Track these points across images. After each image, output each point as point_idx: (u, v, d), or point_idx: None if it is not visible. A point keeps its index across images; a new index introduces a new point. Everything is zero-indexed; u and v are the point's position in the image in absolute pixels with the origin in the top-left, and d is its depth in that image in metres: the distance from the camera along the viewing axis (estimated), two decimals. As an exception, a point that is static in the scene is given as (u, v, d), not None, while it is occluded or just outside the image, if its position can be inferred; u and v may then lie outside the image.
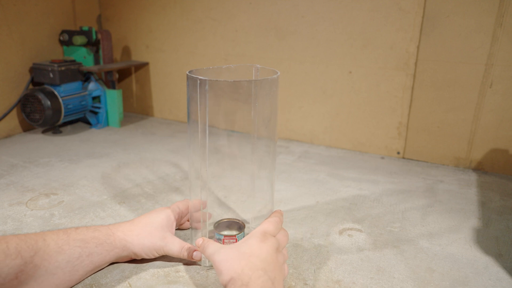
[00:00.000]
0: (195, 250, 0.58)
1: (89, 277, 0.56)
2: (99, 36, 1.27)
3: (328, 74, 1.11)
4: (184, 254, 0.58)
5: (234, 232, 0.62)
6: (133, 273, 0.58)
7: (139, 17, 1.36)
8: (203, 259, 0.60)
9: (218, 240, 0.60)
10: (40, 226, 0.70)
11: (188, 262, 0.61)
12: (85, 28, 1.25)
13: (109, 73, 1.29)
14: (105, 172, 0.94)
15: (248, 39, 1.19)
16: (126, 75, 1.47)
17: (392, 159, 1.08)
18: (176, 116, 1.41)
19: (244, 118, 0.58)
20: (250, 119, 0.56)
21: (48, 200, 0.80)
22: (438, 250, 0.66)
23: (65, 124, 1.33)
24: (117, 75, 1.31)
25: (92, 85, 1.28)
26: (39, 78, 1.19)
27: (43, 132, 1.24)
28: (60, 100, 1.16)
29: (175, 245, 0.58)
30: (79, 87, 1.24)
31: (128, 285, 0.56)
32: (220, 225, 0.63)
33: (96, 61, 1.30)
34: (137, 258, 0.60)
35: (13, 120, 1.21)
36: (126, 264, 0.60)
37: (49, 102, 1.13)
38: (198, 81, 0.52)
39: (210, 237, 0.64)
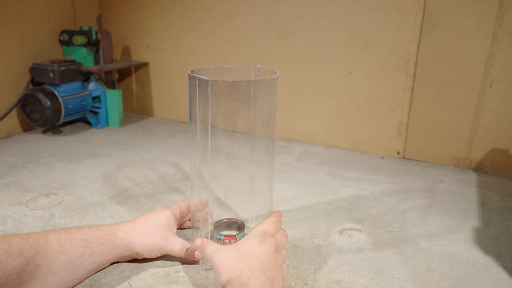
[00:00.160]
0: (196, 250, 0.58)
1: (89, 277, 0.56)
2: (99, 36, 1.27)
3: (328, 74, 1.11)
4: (185, 254, 0.58)
5: (234, 232, 0.62)
6: (133, 273, 0.58)
7: (139, 17, 1.36)
8: (203, 259, 0.60)
9: (218, 240, 0.60)
10: (40, 226, 0.70)
11: (188, 262, 0.61)
12: (85, 28, 1.25)
13: (109, 73, 1.29)
14: (105, 172, 0.95)
15: (248, 39, 1.19)
16: (126, 75, 1.47)
17: (392, 159, 1.08)
18: (176, 116, 1.41)
19: (243, 118, 0.58)
20: (249, 119, 0.56)
21: (48, 200, 0.80)
22: (438, 250, 0.66)
23: (65, 124, 1.33)
24: (117, 75, 1.31)
25: (92, 85, 1.28)
26: (39, 78, 1.19)
27: (43, 132, 1.24)
28: (60, 100, 1.16)
29: (177, 245, 0.58)
30: (79, 87, 1.25)
31: (128, 285, 0.56)
32: (220, 225, 0.63)
33: (96, 61, 1.30)
34: (138, 258, 0.60)
35: (13, 120, 1.21)
36: (126, 264, 0.60)
37: (49, 102, 1.13)
38: (197, 81, 0.52)
39: (211, 237, 0.64)
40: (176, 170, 0.96)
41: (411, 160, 1.07)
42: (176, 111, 1.41)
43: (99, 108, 1.30)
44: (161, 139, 1.20)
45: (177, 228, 0.69)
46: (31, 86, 1.24)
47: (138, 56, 1.41)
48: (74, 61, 1.22)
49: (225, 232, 0.62)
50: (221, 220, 0.64)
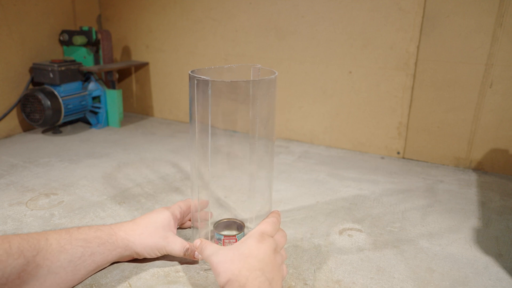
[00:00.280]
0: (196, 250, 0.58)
1: (89, 277, 0.56)
2: (99, 36, 1.27)
3: (328, 74, 1.11)
4: (186, 254, 0.58)
5: (233, 232, 0.62)
6: (133, 273, 0.58)
7: (139, 17, 1.36)
8: (202, 259, 0.60)
9: (218, 240, 0.60)
10: (40, 226, 0.70)
11: (188, 262, 0.61)
12: (85, 28, 1.26)
13: (109, 73, 1.29)
14: (105, 172, 0.95)
15: (248, 39, 1.19)
16: (126, 75, 1.47)
17: (392, 159, 1.08)
18: (176, 116, 1.41)
19: (242, 118, 0.58)
20: (248, 119, 0.56)
21: (48, 200, 0.80)
22: (438, 250, 0.66)
23: (65, 124, 1.33)
24: (117, 75, 1.31)
25: (92, 85, 1.28)
26: (39, 78, 1.19)
27: (43, 132, 1.24)
28: (60, 100, 1.16)
29: (177, 245, 0.59)
30: (79, 87, 1.25)
31: (128, 285, 0.56)
32: (220, 225, 0.63)
33: (96, 61, 1.30)
34: (139, 258, 0.60)
35: (13, 120, 1.21)
36: (126, 264, 0.60)
37: (49, 102, 1.13)
38: (196, 81, 0.52)
39: (211, 237, 0.64)
40: (176, 170, 0.96)
41: (411, 160, 1.07)
42: (176, 111, 1.41)
43: (99, 108, 1.30)
44: (161, 139, 1.20)
45: (178, 228, 0.69)
46: (31, 86, 1.24)
47: (138, 56, 1.41)
48: (74, 61, 1.22)
49: (225, 232, 0.62)
50: (221, 220, 0.64)
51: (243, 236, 0.58)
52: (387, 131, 1.08)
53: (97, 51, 1.29)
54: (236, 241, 0.59)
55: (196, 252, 0.58)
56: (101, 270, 0.58)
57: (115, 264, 0.60)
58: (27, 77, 1.23)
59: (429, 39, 0.97)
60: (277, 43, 1.15)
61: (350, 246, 0.66)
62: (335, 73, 1.10)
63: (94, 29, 1.25)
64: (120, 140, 1.19)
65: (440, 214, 0.78)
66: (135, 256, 0.59)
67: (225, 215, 0.72)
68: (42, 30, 1.25)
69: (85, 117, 1.32)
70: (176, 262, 0.61)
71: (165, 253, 0.59)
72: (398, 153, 1.09)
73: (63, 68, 1.17)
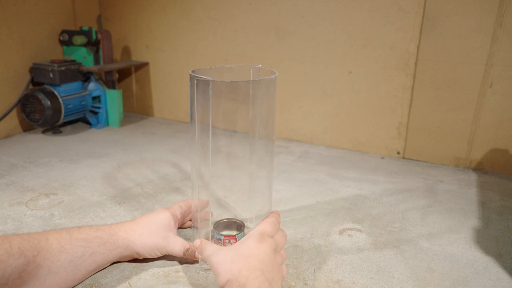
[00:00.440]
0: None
1: (89, 277, 0.56)
2: (99, 36, 1.27)
3: (328, 74, 1.11)
4: (186, 254, 0.58)
5: (233, 232, 0.62)
6: (133, 273, 0.58)
7: (139, 17, 1.36)
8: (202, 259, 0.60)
9: (218, 240, 0.60)
10: (40, 226, 0.70)
11: (188, 262, 0.61)
12: (85, 28, 1.26)
13: (109, 73, 1.29)
14: (105, 172, 0.95)
15: (248, 39, 1.19)
16: (126, 75, 1.47)
17: (392, 159, 1.08)
18: (176, 116, 1.41)
19: (242, 118, 0.58)
20: (248, 119, 0.56)
21: (48, 200, 0.80)
22: (438, 250, 0.66)
23: (65, 124, 1.33)
24: (117, 75, 1.31)
25: (92, 85, 1.28)
26: (39, 78, 1.19)
27: (43, 132, 1.24)
28: (60, 100, 1.16)
29: (178, 245, 0.59)
30: (79, 87, 1.25)
31: (128, 285, 0.56)
32: (220, 225, 0.63)
33: (96, 61, 1.30)
34: (139, 258, 0.60)
35: (13, 120, 1.21)
36: (126, 264, 0.60)
37: (49, 102, 1.13)
38: (196, 81, 0.52)
39: (211, 237, 0.64)
40: (176, 170, 0.96)
41: (411, 160, 1.07)
42: (176, 111, 1.41)
43: (99, 108, 1.30)
44: (161, 139, 1.20)
45: (178, 228, 0.69)
46: (31, 86, 1.24)
47: (138, 56, 1.41)
48: (74, 61, 1.22)
49: (225, 232, 0.62)
50: (220, 220, 0.64)
51: (243, 236, 0.58)
52: (387, 131, 1.08)
53: (97, 51, 1.29)
54: (236, 241, 0.59)
55: (196, 252, 0.58)
56: (101, 270, 0.58)
57: (115, 264, 0.60)
58: (27, 77, 1.23)
59: (429, 39, 0.97)
60: (277, 43, 1.15)
61: (350, 246, 0.66)
62: (335, 73, 1.10)
63: (94, 29, 1.25)
64: (120, 140, 1.19)
65: (440, 214, 0.78)
66: (136, 256, 0.59)
67: (225, 215, 0.72)
68: (42, 30, 1.25)
69: (85, 117, 1.32)
70: (176, 262, 0.61)
71: (166, 253, 0.60)
72: (398, 153, 1.09)
73: (63, 68, 1.17)
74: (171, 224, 0.61)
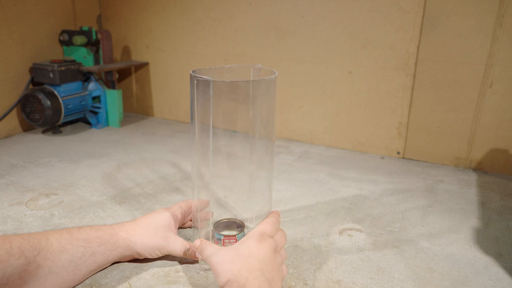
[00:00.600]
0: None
1: (89, 277, 0.56)
2: (99, 36, 1.27)
3: (328, 74, 1.11)
4: (186, 254, 0.58)
5: (233, 232, 0.62)
6: (133, 273, 0.58)
7: (139, 17, 1.36)
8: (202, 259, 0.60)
9: (218, 240, 0.60)
10: (40, 226, 0.70)
11: (188, 262, 0.61)
12: (85, 28, 1.26)
13: (109, 73, 1.29)
14: (105, 172, 0.95)
15: (248, 39, 1.19)
16: (126, 75, 1.47)
17: (392, 159, 1.08)
18: (176, 116, 1.41)
19: (242, 118, 0.58)
20: (248, 119, 0.56)
21: (48, 200, 0.80)
22: (438, 250, 0.66)
23: (65, 124, 1.33)
24: (117, 75, 1.31)
25: (92, 85, 1.28)
26: (39, 78, 1.19)
27: (43, 132, 1.24)
28: (60, 100, 1.16)
29: (178, 245, 0.59)
30: (79, 87, 1.25)
31: (128, 285, 0.56)
32: (220, 225, 0.63)
33: (96, 61, 1.30)
34: (140, 258, 0.60)
35: (13, 120, 1.21)
36: (126, 264, 0.60)
37: (49, 102, 1.13)
38: (196, 81, 0.52)
39: (212, 237, 0.64)
40: (176, 170, 0.96)
41: (411, 160, 1.07)
42: (176, 111, 1.41)
43: (99, 108, 1.30)
44: (161, 139, 1.20)
45: (179, 228, 0.69)
46: (31, 86, 1.24)
47: (138, 56, 1.41)
48: (74, 61, 1.22)
49: (225, 232, 0.62)
50: (221, 220, 0.64)
51: (243, 236, 0.58)
52: (387, 131, 1.08)
53: (97, 51, 1.29)
54: (236, 241, 0.59)
55: (196, 252, 0.58)
56: (101, 270, 0.58)
57: (115, 264, 0.60)
58: (27, 77, 1.23)
59: (429, 39, 0.97)
60: (277, 43, 1.15)
61: (350, 246, 0.66)
62: (335, 73, 1.10)
63: (94, 29, 1.25)
64: (120, 140, 1.19)
65: (440, 214, 0.78)
66: (136, 256, 0.59)
67: (225, 215, 0.72)
68: (42, 30, 1.25)
69: (85, 117, 1.32)
70: (176, 262, 0.61)
71: (166, 253, 0.60)
72: (398, 153, 1.09)
73: (63, 68, 1.17)
74: (171, 224, 0.61)
